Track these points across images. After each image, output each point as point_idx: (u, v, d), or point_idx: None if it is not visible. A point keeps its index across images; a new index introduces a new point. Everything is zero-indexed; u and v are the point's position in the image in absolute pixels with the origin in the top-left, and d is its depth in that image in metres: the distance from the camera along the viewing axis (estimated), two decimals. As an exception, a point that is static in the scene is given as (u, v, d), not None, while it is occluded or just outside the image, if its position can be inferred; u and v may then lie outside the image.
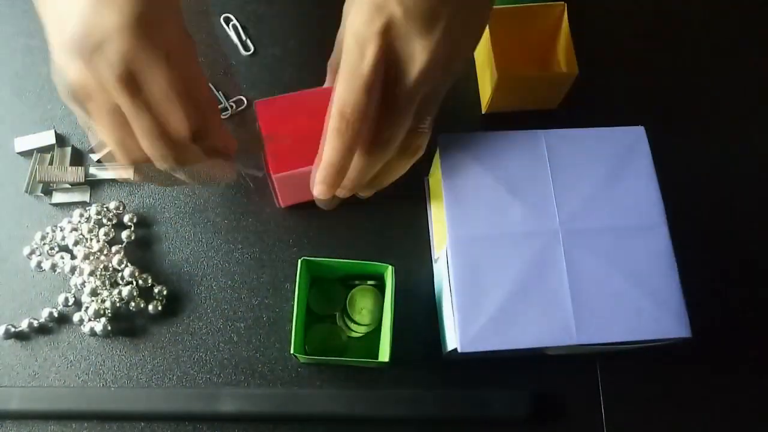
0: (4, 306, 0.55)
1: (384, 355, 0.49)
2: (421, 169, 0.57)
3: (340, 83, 0.41)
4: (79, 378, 0.53)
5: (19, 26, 0.63)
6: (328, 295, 0.54)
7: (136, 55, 0.37)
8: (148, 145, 0.40)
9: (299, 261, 0.50)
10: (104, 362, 0.54)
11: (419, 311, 0.54)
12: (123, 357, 0.54)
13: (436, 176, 0.52)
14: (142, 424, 0.52)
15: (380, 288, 0.54)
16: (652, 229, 0.47)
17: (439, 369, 0.53)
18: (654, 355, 0.51)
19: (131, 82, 0.38)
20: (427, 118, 0.44)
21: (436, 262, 0.54)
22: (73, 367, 0.54)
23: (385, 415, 0.51)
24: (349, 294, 0.53)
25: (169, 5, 0.40)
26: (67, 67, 0.38)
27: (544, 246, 0.46)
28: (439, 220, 0.52)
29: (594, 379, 0.53)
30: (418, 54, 0.40)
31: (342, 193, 0.46)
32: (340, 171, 0.43)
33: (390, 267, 0.50)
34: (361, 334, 0.53)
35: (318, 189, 0.44)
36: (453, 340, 0.46)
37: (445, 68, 0.42)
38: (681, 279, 0.46)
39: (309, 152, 0.46)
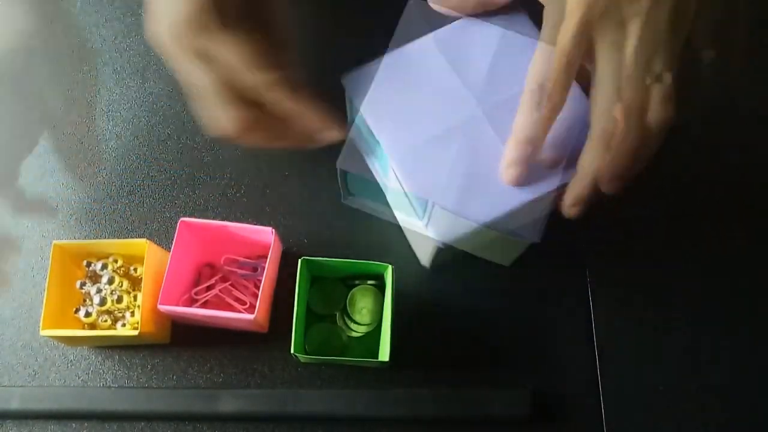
0: (4, 306, 0.55)
1: (384, 354, 0.49)
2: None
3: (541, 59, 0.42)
4: (79, 378, 0.53)
5: (20, 26, 0.63)
6: (328, 295, 0.54)
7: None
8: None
9: (299, 261, 0.50)
10: (104, 362, 0.54)
11: (419, 311, 0.54)
12: (123, 357, 0.54)
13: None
14: (142, 424, 0.52)
15: (380, 288, 0.54)
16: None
17: (439, 369, 0.53)
18: (654, 356, 0.51)
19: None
20: (657, 68, 0.40)
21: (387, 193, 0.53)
22: (73, 367, 0.54)
23: (385, 415, 0.51)
24: (349, 294, 0.53)
25: None
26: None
27: (472, 129, 0.47)
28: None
29: (594, 379, 0.53)
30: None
31: (582, 190, 0.43)
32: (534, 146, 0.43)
33: (390, 267, 0.50)
34: (361, 334, 0.53)
35: (509, 174, 0.44)
36: (427, 245, 0.45)
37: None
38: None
39: None
